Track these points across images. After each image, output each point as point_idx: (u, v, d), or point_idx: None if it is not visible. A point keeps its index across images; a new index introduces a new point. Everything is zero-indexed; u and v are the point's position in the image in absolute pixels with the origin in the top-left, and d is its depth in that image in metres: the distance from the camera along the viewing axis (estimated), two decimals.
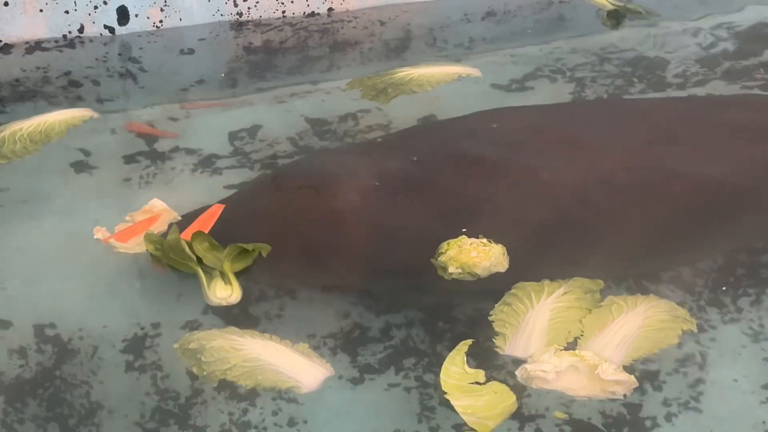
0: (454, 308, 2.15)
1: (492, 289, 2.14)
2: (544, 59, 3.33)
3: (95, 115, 2.95)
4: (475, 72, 3.18)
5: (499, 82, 3.16)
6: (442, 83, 3.10)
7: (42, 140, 2.81)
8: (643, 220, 2.26)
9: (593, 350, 1.96)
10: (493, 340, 2.01)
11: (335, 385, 1.97)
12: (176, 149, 2.79)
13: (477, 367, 1.94)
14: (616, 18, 3.70)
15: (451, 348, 1.98)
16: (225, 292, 2.15)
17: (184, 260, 2.20)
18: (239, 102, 3.10)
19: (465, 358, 1.92)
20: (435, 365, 1.98)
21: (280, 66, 3.39)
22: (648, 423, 1.88)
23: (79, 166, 2.70)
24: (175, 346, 2.02)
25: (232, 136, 2.84)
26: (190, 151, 2.77)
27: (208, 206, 2.41)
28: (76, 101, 3.08)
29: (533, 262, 2.19)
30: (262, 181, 2.45)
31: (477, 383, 1.89)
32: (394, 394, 1.96)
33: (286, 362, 1.96)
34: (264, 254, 2.19)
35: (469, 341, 1.97)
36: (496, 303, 2.10)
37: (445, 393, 1.86)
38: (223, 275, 2.18)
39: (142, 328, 2.11)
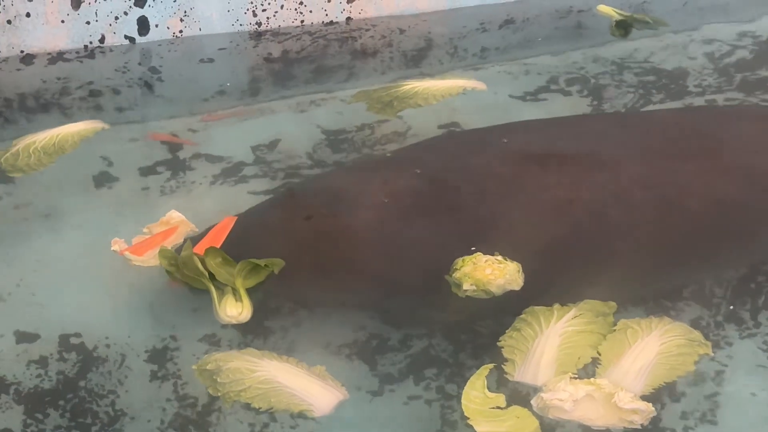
0: (467, 327, 2.15)
1: (506, 307, 2.14)
2: (560, 69, 3.34)
3: (106, 126, 2.97)
4: (480, 85, 3.17)
5: (515, 93, 3.17)
6: (447, 96, 3.10)
7: (56, 152, 2.83)
8: (659, 237, 2.25)
9: (613, 380, 1.94)
10: (503, 366, 2.00)
11: (353, 397, 1.98)
12: (196, 158, 2.82)
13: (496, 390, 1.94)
14: (624, 28, 3.69)
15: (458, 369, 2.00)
16: (235, 310, 2.15)
17: (197, 276, 2.19)
18: (258, 111, 3.13)
19: (485, 382, 1.90)
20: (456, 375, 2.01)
21: (299, 75, 3.41)
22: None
23: (99, 177, 2.73)
24: (194, 367, 2.03)
25: (252, 146, 2.86)
26: (210, 160, 2.80)
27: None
28: (96, 111, 3.11)
29: (549, 281, 2.18)
30: (277, 197, 2.46)
31: (498, 408, 1.87)
32: (414, 407, 1.98)
33: (300, 385, 1.96)
34: (276, 270, 2.17)
35: (490, 365, 1.96)
36: (510, 321, 2.09)
37: (468, 418, 1.84)
38: (235, 292, 2.17)
39: (163, 340, 2.14)
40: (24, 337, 2.16)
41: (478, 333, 2.14)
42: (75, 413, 1.96)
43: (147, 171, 2.76)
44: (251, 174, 2.73)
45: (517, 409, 1.88)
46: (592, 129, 2.62)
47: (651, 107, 3.07)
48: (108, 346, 2.12)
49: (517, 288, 2.13)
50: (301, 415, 1.92)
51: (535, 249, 2.19)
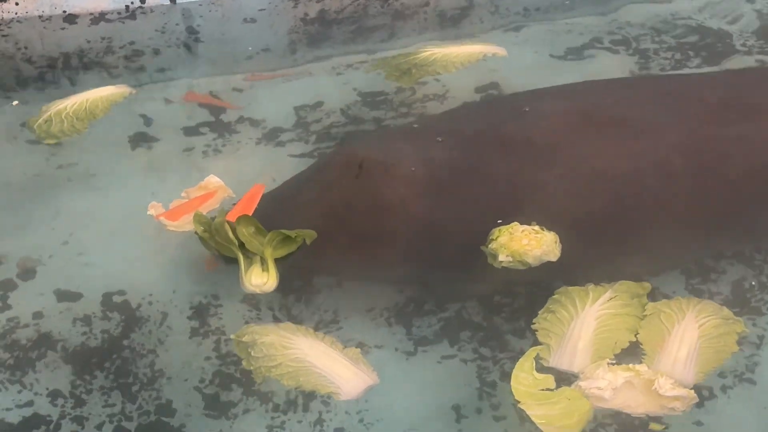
0: (503, 298, 2.16)
1: (542, 279, 2.14)
2: (603, 29, 3.29)
3: (134, 90, 2.99)
4: (500, 51, 3.12)
5: (556, 53, 3.13)
6: (466, 64, 3.05)
7: (87, 118, 2.85)
8: (699, 208, 2.22)
9: (662, 371, 1.91)
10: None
11: (391, 357, 2.02)
12: (237, 120, 2.83)
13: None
14: None
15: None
16: (260, 280, 2.15)
17: (227, 244, 2.20)
18: (298, 72, 3.12)
19: (534, 364, 1.89)
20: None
21: (338, 36, 3.39)
22: (705, 393, 1.91)
23: (139, 139, 2.77)
24: (232, 336, 2.08)
25: (294, 108, 2.87)
26: (251, 123, 2.81)
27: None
28: (137, 72, 3.13)
29: (586, 252, 2.16)
30: (311, 169, 2.45)
31: (548, 389, 1.86)
32: (450, 367, 2.00)
33: (331, 366, 1.98)
34: (308, 241, 2.17)
35: (539, 347, 1.96)
36: (547, 293, 2.09)
37: (518, 402, 1.83)
38: (263, 261, 2.18)
39: (204, 298, 2.20)
40: (67, 296, 2.23)
41: (515, 302, 2.15)
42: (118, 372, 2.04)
43: (190, 132, 2.78)
44: (292, 137, 2.73)
45: (567, 391, 1.86)
46: (631, 94, 2.56)
47: (692, 70, 3.01)
48: (151, 303, 2.19)
49: (553, 259, 2.11)
50: (329, 397, 1.94)
51: (573, 220, 2.16)
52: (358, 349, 2.03)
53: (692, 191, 2.23)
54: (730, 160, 2.29)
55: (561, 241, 2.12)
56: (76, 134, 2.79)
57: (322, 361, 1.98)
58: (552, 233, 2.13)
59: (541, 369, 1.94)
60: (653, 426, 1.84)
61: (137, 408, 1.96)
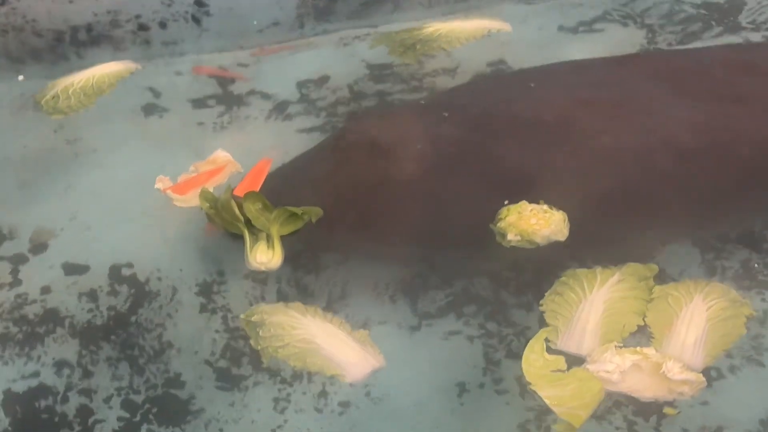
0: (512, 281, 2.15)
1: (550, 258, 2.14)
2: (614, 1, 3.26)
3: (139, 66, 2.99)
4: (505, 26, 3.10)
5: (567, 25, 3.10)
6: (471, 39, 3.03)
7: (95, 93, 2.85)
8: (709, 186, 2.21)
9: (671, 355, 1.90)
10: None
11: (396, 332, 2.03)
12: (244, 93, 2.82)
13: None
14: None
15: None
16: (265, 257, 2.16)
17: (233, 221, 2.21)
18: (305, 45, 3.11)
19: (544, 345, 1.89)
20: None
21: (344, 10, 3.36)
22: (713, 373, 1.91)
23: (148, 111, 2.77)
24: (242, 316, 2.08)
25: (299, 82, 2.86)
26: (258, 96, 2.81)
27: None
28: (144, 46, 3.12)
29: (595, 231, 2.16)
30: (318, 146, 2.45)
31: (559, 371, 1.86)
32: (456, 342, 2.01)
33: (338, 348, 1.99)
34: (314, 219, 2.17)
35: (549, 328, 1.96)
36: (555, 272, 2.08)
37: (530, 384, 1.83)
38: (269, 239, 2.18)
39: (210, 274, 2.20)
40: (76, 269, 2.24)
41: (522, 278, 2.15)
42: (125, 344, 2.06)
43: (198, 105, 2.78)
44: (299, 111, 2.73)
45: (578, 371, 1.86)
46: (641, 69, 2.54)
47: (703, 43, 2.99)
48: (159, 279, 2.20)
49: (562, 239, 2.11)
50: (333, 379, 1.95)
51: (581, 199, 2.16)
52: (366, 331, 2.04)
53: (702, 168, 2.22)
54: (740, 136, 2.27)
55: (570, 220, 2.12)
56: (83, 109, 2.79)
57: (329, 342, 1.99)
58: (560, 212, 2.12)
59: (549, 351, 1.93)
60: (667, 410, 1.84)
61: (144, 381, 1.98)
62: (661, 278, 2.10)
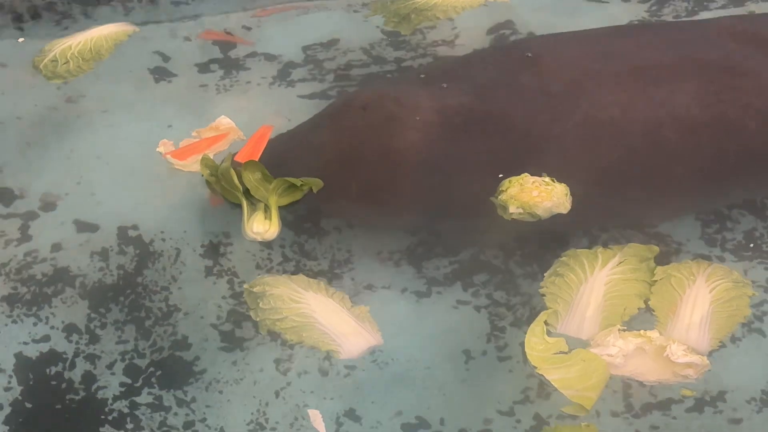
0: (512, 254, 2.15)
1: (553, 231, 2.13)
2: None
3: (137, 29, 2.95)
4: None
5: None
6: (467, 8, 2.99)
7: (93, 58, 2.81)
8: (716, 159, 2.19)
9: (675, 338, 1.89)
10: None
11: (402, 298, 2.04)
12: (250, 57, 2.81)
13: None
14: None
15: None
16: (262, 227, 2.16)
17: (232, 189, 2.20)
18: (310, 7, 3.09)
19: (545, 328, 1.87)
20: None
21: None
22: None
23: (149, 77, 2.74)
24: (245, 286, 2.08)
25: (305, 46, 2.84)
26: (264, 59, 2.79)
27: None
28: (146, 6, 3.10)
29: (598, 205, 2.14)
30: (321, 114, 2.42)
31: (562, 353, 1.85)
32: (461, 309, 2.02)
33: (336, 325, 1.98)
34: (315, 190, 2.17)
35: (549, 310, 1.95)
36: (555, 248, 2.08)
37: (536, 368, 1.82)
38: (266, 209, 2.18)
39: (216, 236, 2.21)
40: (86, 227, 2.25)
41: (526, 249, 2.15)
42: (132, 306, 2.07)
43: (202, 69, 2.76)
44: (304, 76, 2.71)
45: (582, 352, 1.84)
46: (648, 40, 2.50)
47: (710, 14, 2.96)
48: (164, 240, 2.21)
49: (564, 212, 2.10)
50: (328, 355, 1.95)
51: (586, 171, 2.14)
52: (367, 308, 2.03)
53: (710, 141, 2.20)
54: (749, 109, 2.25)
55: (573, 193, 2.10)
56: (82, 74, 2.76)
57: (328, 318, 1.98)
58: (563, 185, 2.10)
59: (549, 336, 1.92)
60: (684, 392, 1.83)
61: (150, 345, 1.99)
62: (663, 250, 2.10)
